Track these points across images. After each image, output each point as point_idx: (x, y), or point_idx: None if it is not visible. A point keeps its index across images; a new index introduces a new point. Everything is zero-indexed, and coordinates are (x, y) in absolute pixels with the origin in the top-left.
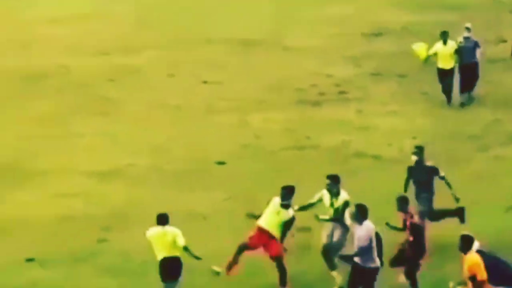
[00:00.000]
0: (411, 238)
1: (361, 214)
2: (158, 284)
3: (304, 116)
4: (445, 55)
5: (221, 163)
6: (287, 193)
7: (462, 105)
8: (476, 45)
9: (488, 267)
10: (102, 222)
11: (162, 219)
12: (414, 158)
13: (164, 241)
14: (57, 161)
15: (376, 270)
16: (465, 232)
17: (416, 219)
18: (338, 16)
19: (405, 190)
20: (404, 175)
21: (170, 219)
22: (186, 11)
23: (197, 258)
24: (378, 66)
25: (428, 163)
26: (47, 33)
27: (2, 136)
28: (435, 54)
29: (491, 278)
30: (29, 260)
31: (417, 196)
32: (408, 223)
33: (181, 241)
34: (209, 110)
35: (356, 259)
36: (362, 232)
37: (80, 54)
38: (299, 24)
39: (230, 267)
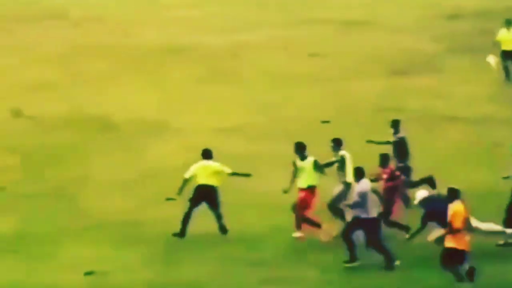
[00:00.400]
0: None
1: (357, 174)
2: None
3: (395, 84)
4: (509, 39)
5: (325, 121)
6: (298, 148)
7: None
8: None
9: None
10: None
11: (206, 154)
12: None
13: (205, 171)
14: (191, 120)
15: (369, 221)
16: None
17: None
18: (424, 1)
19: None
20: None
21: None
22: None
23: (247, 175)
24: (456, 43)
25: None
26: (182, 15)
27: (147, 98)
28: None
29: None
30: (169, 199)
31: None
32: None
33: (226, 169)
34: (316, 78)
35: (353, 211)
36: (358, 189)
37: (208, 32)
38: (392, 7)
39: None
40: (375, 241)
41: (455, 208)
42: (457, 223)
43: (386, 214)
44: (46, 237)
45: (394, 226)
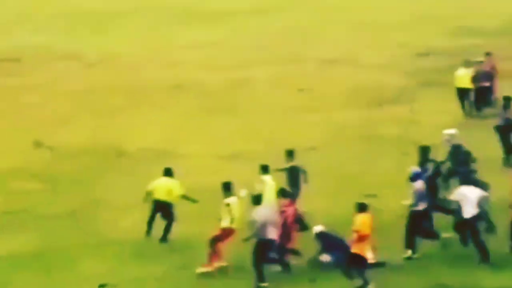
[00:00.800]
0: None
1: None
2: None
3: (373, 114)
4: (465, 78)
5: (313, 148)
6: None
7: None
8: (492, 69)
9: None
10: None
11: (167, 172)
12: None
13: (162, 188)
14: (195, 148)
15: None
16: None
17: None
18: (396, 40)
19: None
20: None
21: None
22: (285, 37)
23: (194, 201)
24: (426, 78)
25: None
26: (186, 55)
27: (155, 129)
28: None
29: None
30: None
31: None
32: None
33: (178, 190)
34: (304, 110)
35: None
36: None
37: (210, 70)
38: (368, 46)
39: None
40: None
41: (363, 219)
42: (364, 231)
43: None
44: (64, 253)
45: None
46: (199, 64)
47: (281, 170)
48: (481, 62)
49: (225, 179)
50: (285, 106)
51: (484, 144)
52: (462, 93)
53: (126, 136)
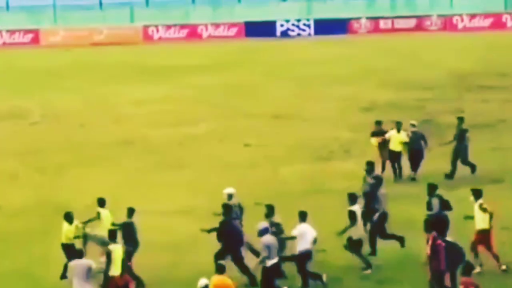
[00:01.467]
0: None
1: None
2: None
3: (319, 168)
4: (397, 140)
5: (258, 203)
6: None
7: (412, 179)
8: (422, 137)
9: None
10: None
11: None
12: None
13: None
14: (142, 204)
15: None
16: None
17: None
18: (341, 94)
19: None
20: None
21: None
22: (230, 93)
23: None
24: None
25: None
26: (130, 112)
27: (102, 186)
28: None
29: None
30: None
31: None
32: None
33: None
34: (250, 165)
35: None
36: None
37: (156, 126)
38: (313, 101)
39: None
40: None
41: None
42: None
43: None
44: None
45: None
46: (145, 120)
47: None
48: (414, 125)
49: (173, 234)
50: (230, 161)
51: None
52: (394, 157)
53: (73, 194)
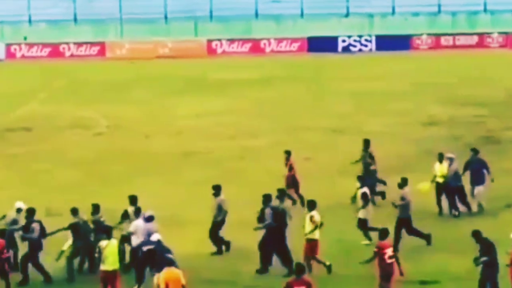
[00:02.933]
0: None
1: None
2: None
3: None
4: (441, 173)
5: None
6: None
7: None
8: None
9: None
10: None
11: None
12: None
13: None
14: (201, 215)
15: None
16: None
17: None
18: (401, 109)
19: None
20: None
21: None
22: (291, 107)
23: None
24: (432, 146)
25: None
26: (192, 124)
27: (162, 195)
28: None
29: None
30: None
31: None
32: None
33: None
34: (309, 177)
35: None
36: None
37: (216, 139)
38: (373, 115)
39: None
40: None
41: None
42: None
43: None
44: None
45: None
46: (206, 132)
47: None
48: (452, 159)
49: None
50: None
51: None
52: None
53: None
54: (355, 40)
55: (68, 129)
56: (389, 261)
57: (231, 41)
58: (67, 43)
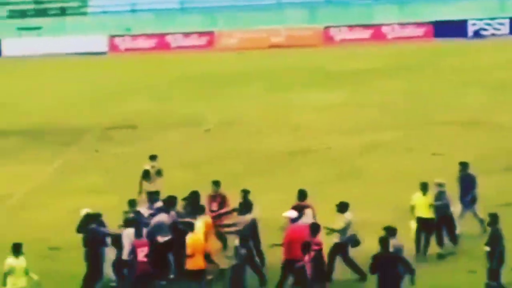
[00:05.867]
0: None
1: None
2: None
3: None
4: (425, 205)
5: None
6: None
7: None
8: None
9: None
10: None
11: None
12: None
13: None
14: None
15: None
16: None
17: None
18: None
19: None
20: None
21: None
22: (416, 99)
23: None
24: None
25: None
26: (309, 119)
27: (277, 195)
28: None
29: None
30: None
31: None
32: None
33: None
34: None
35: None
36: None
37: (336, 134)
38: (508, 107)
39: None
40: None
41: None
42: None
43: None
44: None
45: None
46: (324, 127)
47: None
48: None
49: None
50: (416, 172)
51: None
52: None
53: None
54: (486, 24)
55: (175, 127)
56: None
57: (350, 27)
58: (173, 34)
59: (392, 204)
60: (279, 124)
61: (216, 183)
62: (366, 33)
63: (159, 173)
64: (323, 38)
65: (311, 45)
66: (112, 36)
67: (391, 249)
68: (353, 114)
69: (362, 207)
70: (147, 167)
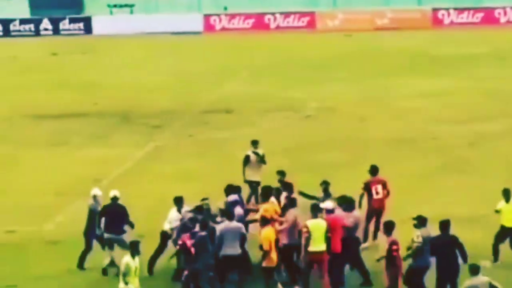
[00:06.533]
0: None
1: None
2: None
3: None
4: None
5: None
6: None
7: None
8: None
9: None
10: None
11: None
12: None
13: None
14: (425, 209)
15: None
16: None
17: None
18: None
19: None
20: None
21: None
22: None
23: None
24: None
25: None
26: (415, 106)
27: None
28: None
29: None
30: None
31: None
32: None
33: None
34: None
35: None
36: None
37: (442, 123)
38: None
39: None
40: None
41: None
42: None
43: None
44: None
45: None
46: (430, 116)
47: None
48: None
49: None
50: None
51: None
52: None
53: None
54: None
55: (273, 112)
56: None
57: (459, 10)
58: (272, 14)
59: (499, 197)
60: (382, 110)
61: (281, 173)
62: (477, 17)
63: (262, 159)
64: (432, 20)
65: (418, 28)
66: (208, 15)
67: (419, 239)
68: (461, 102)
69: (468, 201)
70: (249, 153)
